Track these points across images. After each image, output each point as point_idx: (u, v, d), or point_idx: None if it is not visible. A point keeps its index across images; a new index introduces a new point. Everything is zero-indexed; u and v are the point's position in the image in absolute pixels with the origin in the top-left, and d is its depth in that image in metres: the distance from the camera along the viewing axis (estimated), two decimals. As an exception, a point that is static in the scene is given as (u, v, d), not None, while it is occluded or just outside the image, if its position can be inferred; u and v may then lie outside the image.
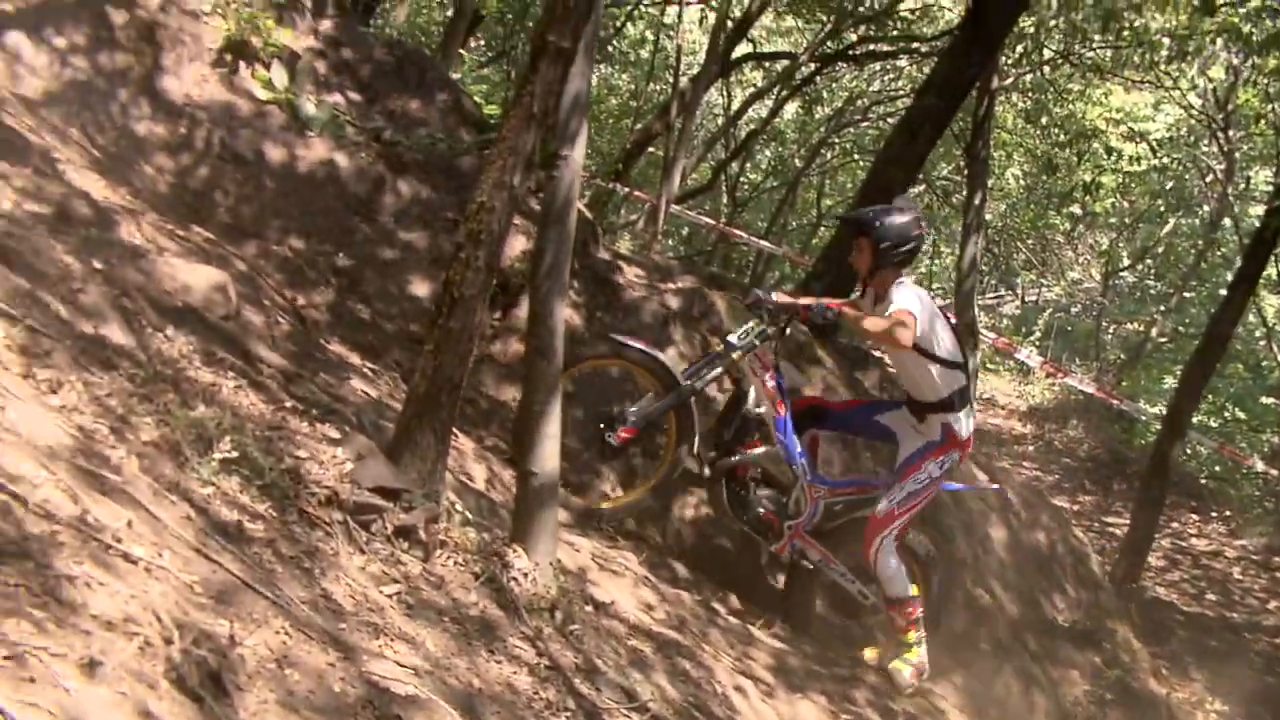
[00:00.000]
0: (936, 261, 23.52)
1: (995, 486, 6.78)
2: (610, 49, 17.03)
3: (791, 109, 19.12)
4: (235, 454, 2.99)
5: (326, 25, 6.98)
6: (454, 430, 4.09)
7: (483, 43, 17.57)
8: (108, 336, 3.25)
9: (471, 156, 6.67)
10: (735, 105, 18.52)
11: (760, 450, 5.38)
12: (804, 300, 5.36)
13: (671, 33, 16.43)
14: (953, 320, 5.20)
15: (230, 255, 5.15)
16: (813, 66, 15.45)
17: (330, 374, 4.66)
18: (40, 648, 1.80)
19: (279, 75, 6.39)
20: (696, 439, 5.41)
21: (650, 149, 16.23)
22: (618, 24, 16.45)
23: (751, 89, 18.00)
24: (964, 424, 5.14)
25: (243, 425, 3.19)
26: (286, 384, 4.07)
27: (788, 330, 5.46)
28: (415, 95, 6.98)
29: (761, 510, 5.43)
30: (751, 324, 5.32)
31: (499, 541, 3.79)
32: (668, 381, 5.39)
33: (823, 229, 19.49)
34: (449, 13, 15.12)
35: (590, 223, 7.02)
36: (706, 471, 5.48)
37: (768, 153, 21.54)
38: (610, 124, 19.81)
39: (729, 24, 13.55)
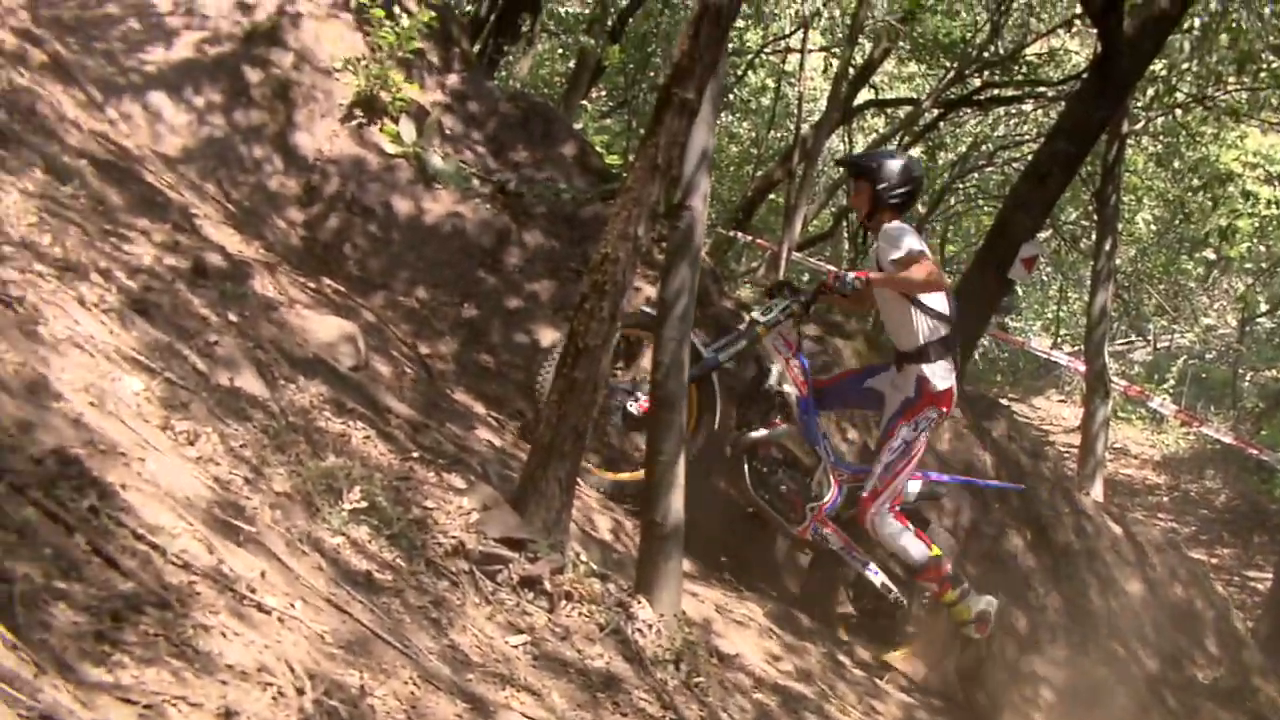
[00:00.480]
0: (1064, 308, 22.89)
1: (1019, 487, 6.54)
2: (731, 97, 17.09)
3: (914, 154, 18.88)
4: (364, 504, 3.01)
5: (453, 80, 7.14)
6: (577, 479, 4.06)
7: (604, 93, 17.80)
8: (242, 388, 3.31)
9: (595, 207, 6.72)
10: (857, 151, 18.36)
11: (783, 428, 5.28)
12: (828, 268, 5.37)
13: (793, 80, 16.43)
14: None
15: (359, 306, 5.25)
16: (936, 112, 15.27)
17: (456, 423, 4.69)
18: (178, 697, 1.81)
19: (407, 129, 6.54)
20: (717, 415, 5.34)
21: (771, 195, 16.18)
22: (739, 72, 16.51)
23: (874, 135, 17.86)
24: (940, 376, 4.97)
25: (371, 475, 3.21)
26: (414, 434, 4.11)
27: (812, 308, 5.35)
28: (540, 147, 7.07)
29: (783, 489, 5.29)
30: (777, 300, 5.27)
31: (623, 592, 3.73)
32: (691, 354, 5.35)
33: (950, 277, 19.13)
34: (571, 64, 15.37)
35: (712, 271, 7.00)
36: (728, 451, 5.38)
37: (891, 199, 21.17)
38: (731, 171, 19.85)
39: (851, 71, 13.52)
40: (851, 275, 4.87)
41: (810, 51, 15.43)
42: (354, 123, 6.41)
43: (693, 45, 3.46)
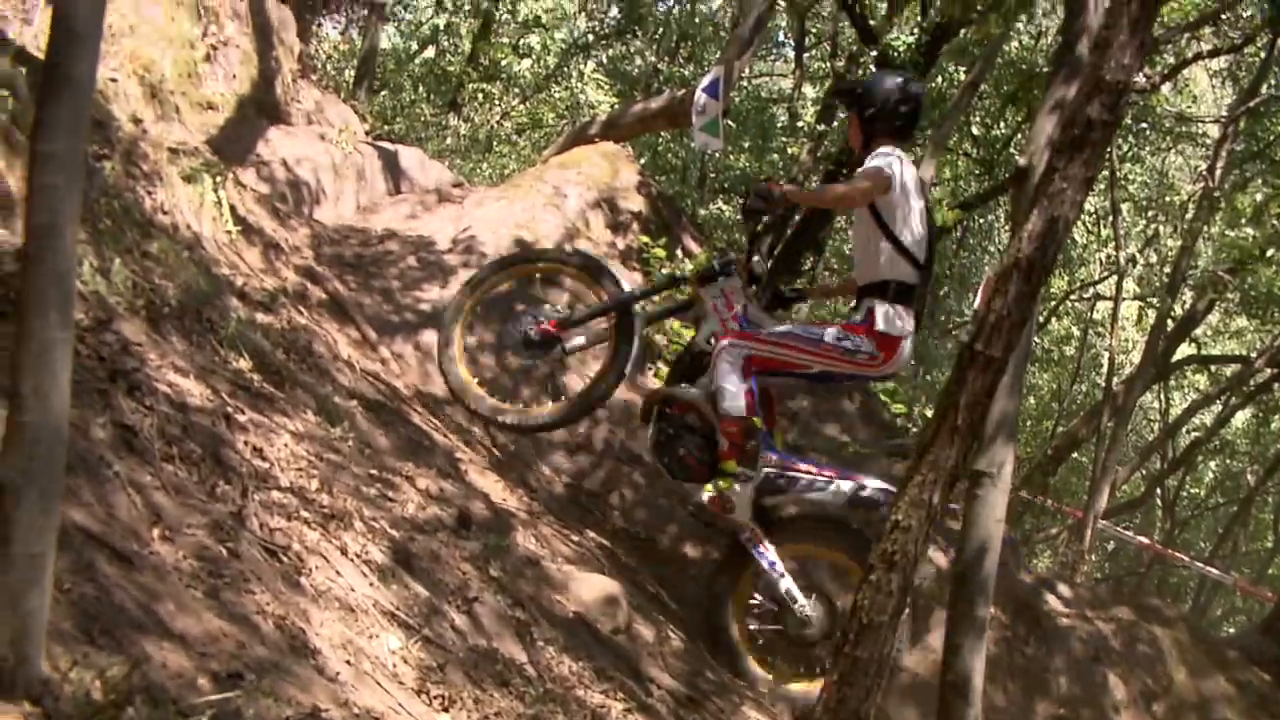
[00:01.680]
0: None
1: (952, 506, 5.75)
2: (1032, 346, 16.87)
3: (1243, 417, 17.99)
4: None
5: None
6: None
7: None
8: (500, 650, 3.34)
9: (881, 463, 6.63)
10: (1175, 412, 17.67)
11: (689, 389, 5.16)
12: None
13: (1102, 330, 16.11)
14: (932, 222, 5.00)
15: (624, 563, 5.28)
16: (1270, 372, 14.55)
17: (723, 699, 4.56)
18: None
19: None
20: (629, 365, 5.33)
21: (1074, 455, 15.63)
22: (1041, 319, 16.35)
23: (1195, 394, 17.16)
24: (889, 319, 4.81)
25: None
26: (677, 708, 4.02)
27: (760, 272, 5.37)
28: (821, 397, 7.10)
29: (682, 454, 5.13)
30: (720, 258, 5.30)
31: None
32: (615, 295, 5.37)
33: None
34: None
35: (1010, 540, 6.71)
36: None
37: (1213, 466, 20.23)
38: (1029, 426, 19.40)
39: (1170, 323, 13.11)
40: (763, 185, 4.80)
41: (1124, 300, 15.15)
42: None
43: (999, 299, 3.41)
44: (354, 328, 5.99)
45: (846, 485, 5.04)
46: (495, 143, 17.16)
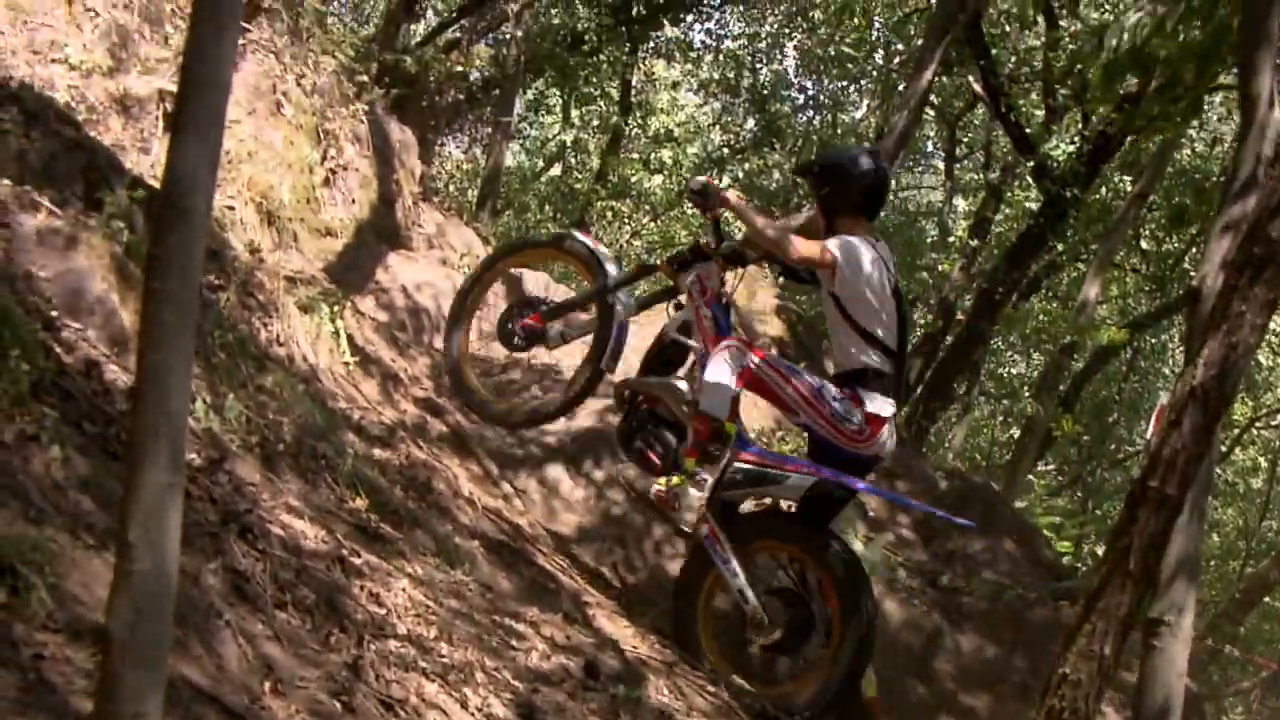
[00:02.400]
0: None
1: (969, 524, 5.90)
2: (1213, 478, 16.32)
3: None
4: None
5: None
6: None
7: (1053, 467, 17.56)
8: (631, 817, 3.25)
9: (1045, 608, 6.43)
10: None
11: (655, 380, 5.27)
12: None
13: (1290, 459, 15.55)
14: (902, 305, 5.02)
15: (765, 709, 5.15)
16: None
17: None
18: None
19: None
20: (605, 355, 5.41)
21: (1266, 600, 14.95)
22: (1223, 449, 15.83)
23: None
24: (880, 405, 4.86)
25: None
26: None
27: (738, 262, 5.31)
28: (979, 534, 6.92)
29: (642, 444, 5.19)
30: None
31: None
32: (598, 283, 5.50)
33: None
34: (1014, 432, 15.35)
35: (1192, 695, 6.42)
36: None
37: None
38: (1213, 568, 18.67)
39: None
40: (702, 179, 4.97)
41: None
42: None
43: (1175, 433, 3.30)
44: (475, 462, 6.05)
45: (803, 479, 4.98)
46: (625, 263, 17.44)
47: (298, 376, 4.75)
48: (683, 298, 5.36)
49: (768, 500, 5.41)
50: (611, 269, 5.60)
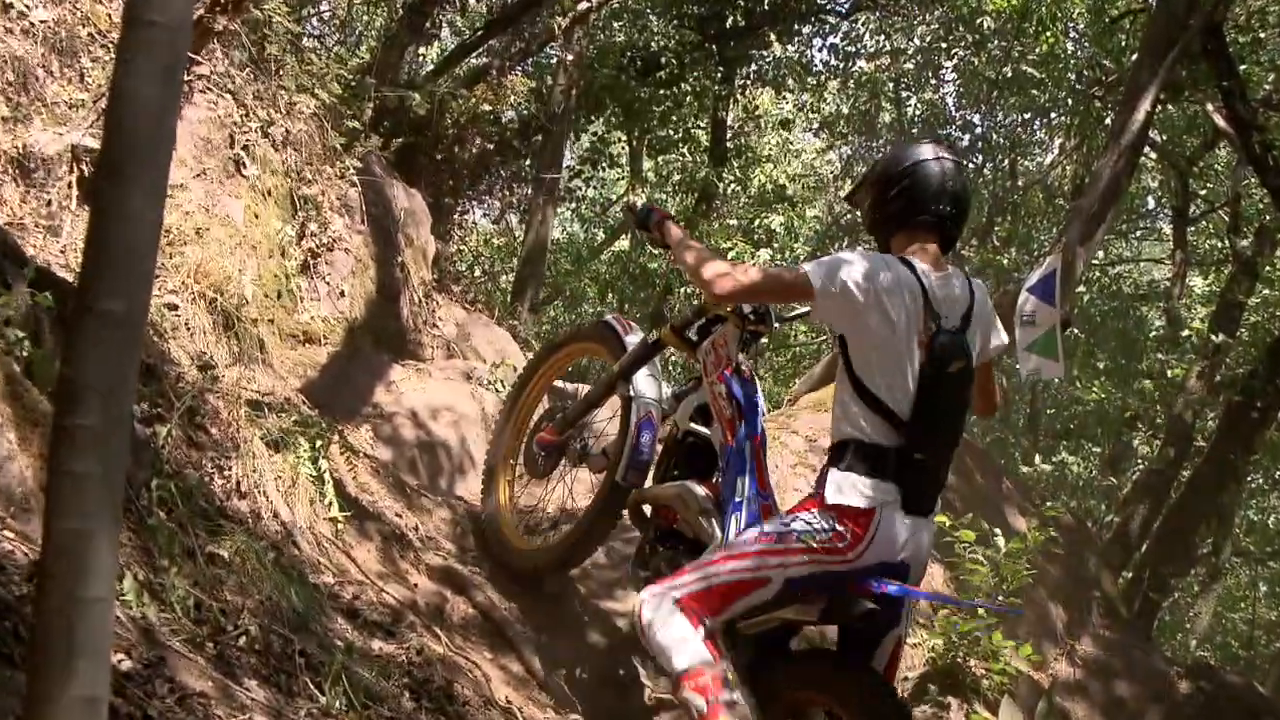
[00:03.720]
0: None
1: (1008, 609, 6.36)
2: None
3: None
4: None
5: (1087, 643, 7.10)
6: None
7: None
8: None
9: None
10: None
11: (665, 488, 5.38)
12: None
13: None
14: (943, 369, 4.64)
15: None
16: None
17: None
18: None
19: (1010, 715, 6.50)
20: (624, 465, 5.58)
21: None
22: None
23: None
24: (845, 487, 4.59)
25: None
26: None
27: (769, 321, 5.36)
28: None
29: (652, 577, 5.10)
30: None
31: None
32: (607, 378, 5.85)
33: None
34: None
35: None
36: None
37: None
38: None
39: None
40: (641, 201, 4.61)
41: None
42: (928, 704, 6.48)
43: None
44: (515, 657, 6.01)
45: None
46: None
47: (266, 541, 4.75)
48: (704, 369, 5.40)
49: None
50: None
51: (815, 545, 4.63)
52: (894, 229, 4.86)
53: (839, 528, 4.60)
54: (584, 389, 6.49)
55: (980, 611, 6.81)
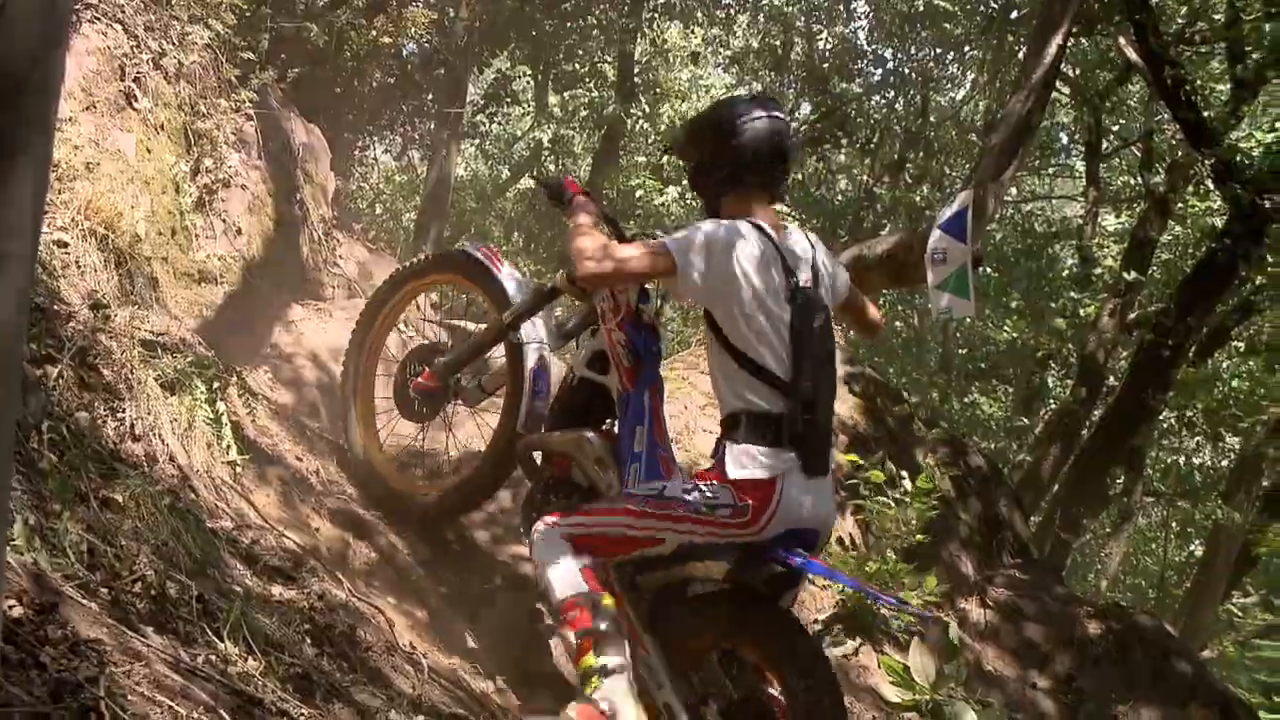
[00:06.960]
0: None
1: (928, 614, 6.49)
2: None
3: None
4: None
5: (1000, 580, 7.20)
6: None
7: (1254, 598, 17.48)
8: None
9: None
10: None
11: (559, 435, 5.44)
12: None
13: None
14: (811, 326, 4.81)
15: None
16: None
17: None
18: None
19: (920, 664, 6.55)
20: (521, 411, 5.73)
21: None
22: None
23: None
24: (743, 460, 4.70)
25: None
26: None
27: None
28: (1147, 700, 6.90)
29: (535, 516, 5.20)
30: None
31: None
32: (495, 319, 5.81)
33: None
34: (1195, 547, 15.26)
35: None
36: None
37: None
38: None
39: None
40: (553, 173, 4.73)
41: None
42: (829, 642, 6.58)
43: None
44: (418, 602, 6.02)
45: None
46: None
47: (161, 485, 4.73)
48: (598, 316, 5.45)
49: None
50: (516, 296, 5.78)
51: (716, 518, 4.73)
52: (726, 189, 5.00)
53: (739, 503, 4.72)
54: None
55: (888, 553, 6.90)
